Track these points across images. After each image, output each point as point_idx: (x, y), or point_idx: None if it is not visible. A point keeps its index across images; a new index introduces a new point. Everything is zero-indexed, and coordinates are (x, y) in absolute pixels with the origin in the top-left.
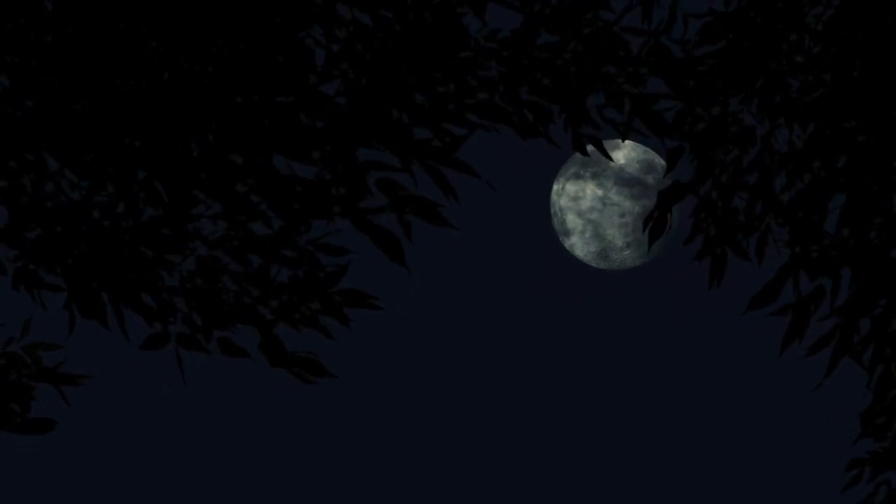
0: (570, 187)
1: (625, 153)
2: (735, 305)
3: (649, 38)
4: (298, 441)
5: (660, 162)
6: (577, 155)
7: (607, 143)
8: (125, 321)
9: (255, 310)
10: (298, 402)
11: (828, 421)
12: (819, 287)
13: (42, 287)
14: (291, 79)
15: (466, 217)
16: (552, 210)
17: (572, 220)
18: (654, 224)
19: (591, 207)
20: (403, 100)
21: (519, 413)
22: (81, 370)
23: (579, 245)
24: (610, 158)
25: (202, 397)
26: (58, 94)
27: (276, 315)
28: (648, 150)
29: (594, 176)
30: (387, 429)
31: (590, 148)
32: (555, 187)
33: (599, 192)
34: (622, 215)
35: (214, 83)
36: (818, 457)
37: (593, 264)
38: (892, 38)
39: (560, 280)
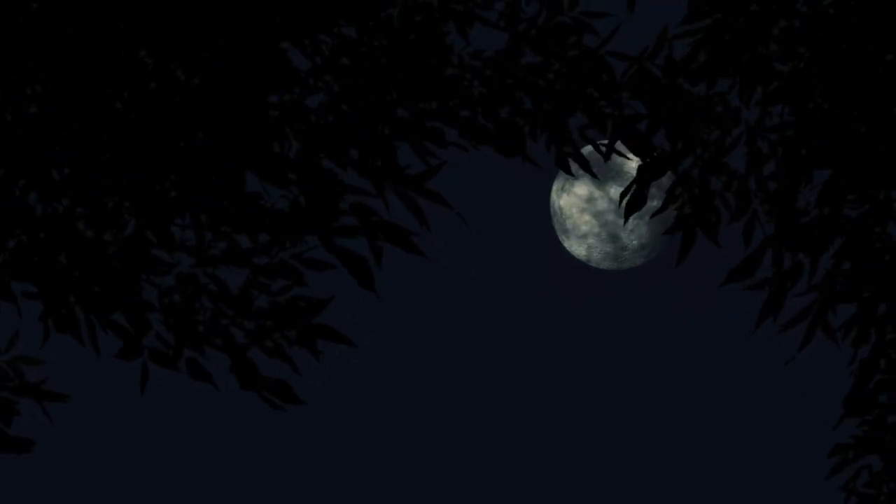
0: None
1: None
2: (735, 306)
3: (634, 63)
4: (298, 442)
5: None
6: None
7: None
8: (100, 334)
9: (229, 332)
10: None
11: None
12: (797, 263)
13: (14, 301)
14: (273, 89)
15: (464, 216)
16: (552, 209)
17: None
18: (631, 199)
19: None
20: (386, 114)
21: (519, 413)
22: (66, 368)
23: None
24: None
25: (189, 397)
26: (49, 99)
27: (250, 339)
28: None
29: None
30: (386, 429)
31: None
32: (554, 187)
33: (611, 194)
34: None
35: (202, 92)
36: (816, 453)
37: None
38: (879, 23)
39: (560, 280)
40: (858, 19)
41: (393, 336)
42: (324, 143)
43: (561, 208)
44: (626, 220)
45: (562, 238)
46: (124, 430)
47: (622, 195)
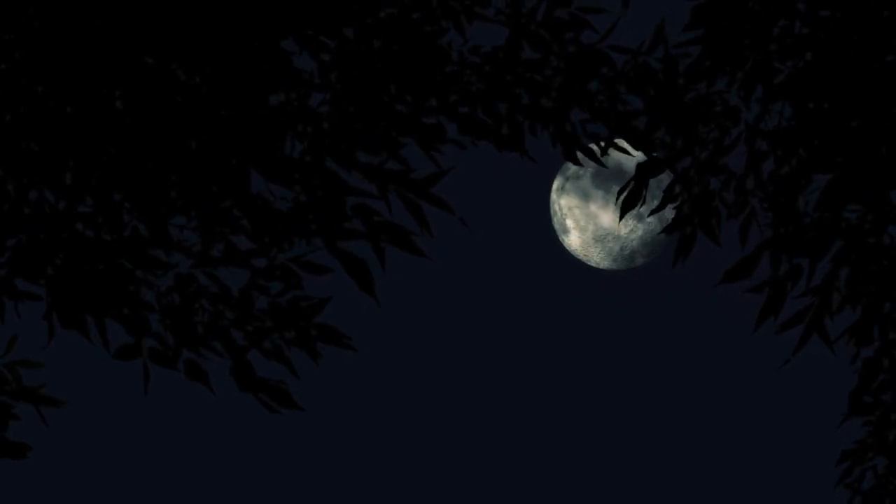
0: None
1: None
2: (735, 305)
3: (633, 58)
4: (297, 443)
5: None
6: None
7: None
8: (106, 331)
9: (228, 334)
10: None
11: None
12: (796, 266)
13: (18, 298)
14: (274, 89)
15: (465, 215)
16: (552, 209)
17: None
18: (627, 196)
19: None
20: (387, 110)
21: (518, 412)
22: (65, 368)
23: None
24: (603, 165)
25: (187, 398)
26: (44, 102)
27: (249, 341)
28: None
29: (595, 175)
30: (385, 427)
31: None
32: (555, 185)
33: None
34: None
35: (203, 92)
36: (817, 454)
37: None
38: (877, 22)
39: (560, 280)
40: (859, 20)
41: (392, 335)
42: (328, 144)
43: (560, 207)
44: (622, 217)
45: (562, 238)
46: (124, 432)
47: (619, 193)
